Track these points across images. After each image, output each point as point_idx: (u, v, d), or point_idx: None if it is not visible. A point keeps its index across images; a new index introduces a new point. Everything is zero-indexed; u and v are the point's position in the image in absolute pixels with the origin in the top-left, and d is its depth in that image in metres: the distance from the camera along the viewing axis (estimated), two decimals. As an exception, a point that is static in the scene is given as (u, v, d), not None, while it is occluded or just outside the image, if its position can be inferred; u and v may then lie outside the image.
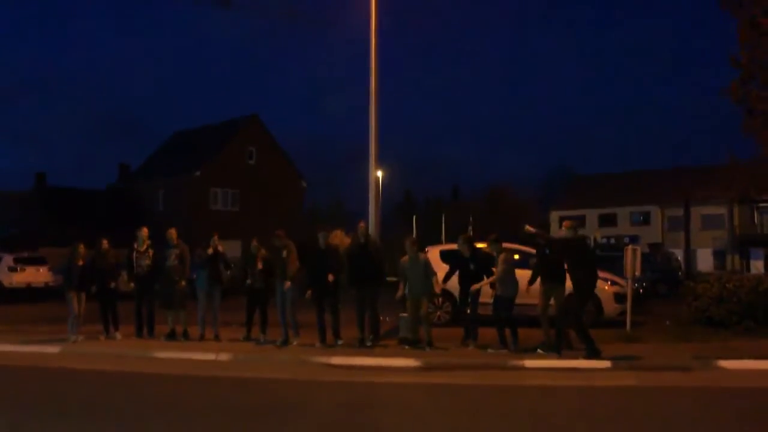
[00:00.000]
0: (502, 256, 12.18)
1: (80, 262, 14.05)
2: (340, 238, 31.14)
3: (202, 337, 13.67)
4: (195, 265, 13.93)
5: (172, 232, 14.13)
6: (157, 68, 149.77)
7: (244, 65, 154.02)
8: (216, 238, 14.07)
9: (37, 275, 28.78)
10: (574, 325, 11.30)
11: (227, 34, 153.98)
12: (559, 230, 11.80)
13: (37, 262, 29.47)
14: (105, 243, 14.47)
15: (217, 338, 13.62)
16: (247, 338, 13.57)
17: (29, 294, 27.75)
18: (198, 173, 48.22)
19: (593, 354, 10.85)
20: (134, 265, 14.08)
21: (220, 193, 49.32)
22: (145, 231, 14.32)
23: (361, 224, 13.54)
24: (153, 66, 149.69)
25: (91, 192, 52.96)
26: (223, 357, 11.89)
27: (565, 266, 11.46)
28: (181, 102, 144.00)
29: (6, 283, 27.96)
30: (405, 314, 12.81)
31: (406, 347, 12.33)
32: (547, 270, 11.92)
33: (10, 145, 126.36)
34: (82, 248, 14.20)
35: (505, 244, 13.36)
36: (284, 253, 13.08)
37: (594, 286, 11.60)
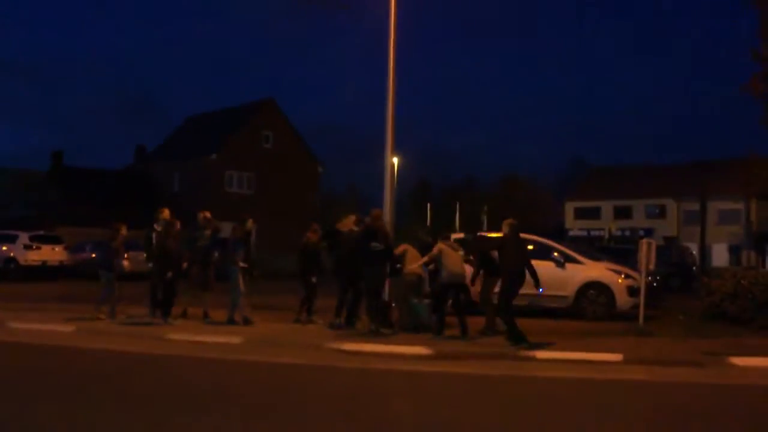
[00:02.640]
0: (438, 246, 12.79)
1: (115, 244, 14.11)
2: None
3: (247, 321, 13.52)
4: (235, 247, 13.74)
5: (206, 214, 14.31)
6: (175, 50, 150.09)
7: (262, 49, 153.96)
8: (251, 222, 14.11)
9: (53, 254, 29.03)
10: (503, 312, 12.05)
11: (245, 18, 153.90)
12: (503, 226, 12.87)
13: (52, 240, 29.71)
14: (178, 224, 14.07)
15: (248, 322, 13.61)
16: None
17: (45, 272, 28.01)
18: (214, 156, 48.32)
19: (518, 340, 11.50)
20: (153, 245, 14.08)
21: (235, 176, 49.41)
22: (166, 213, 14.30)
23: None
24: (171, 48, 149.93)
25: (108, 172, 53.20)
26: (235, 340, 11.94)
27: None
28: (198, 85, 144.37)
29: (21, 261, 28.23)
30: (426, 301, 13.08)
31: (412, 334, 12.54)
32: (488, 264, 12.98)
33: (27, 125, 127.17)
34: (124, 230, 14.23)
35: (522, 236, 13.62)
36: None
37: (523, 277, 12.13)
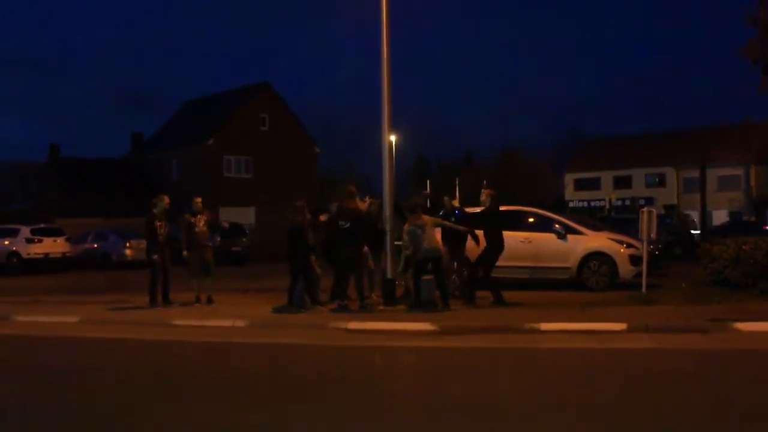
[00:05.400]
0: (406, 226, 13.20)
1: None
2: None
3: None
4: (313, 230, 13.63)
5: (198, 201, 14.44)
6: (168, 37, 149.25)
7: (256, 33, 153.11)
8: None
9: (55, 246, 29.01)
10: (487, 279, 13.24)
11: (239, 2, 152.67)
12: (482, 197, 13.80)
13: (53, 233, 29.68)
14: (302, 204, 13.72)
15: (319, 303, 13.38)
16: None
17: (47, 265, 27.97)
18: (211, 141, 48.22)
19: (500, 302, 12.85)
20: (158, 234, 14.00)
21: (233, 161, 49.33)
22: (166, 200, 14.30)
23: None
24: (164, 35, 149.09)
25: (106, 162, 53.14)
26: (240, 323, 11.97)
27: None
28: (193, 71, 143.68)
29: (24, 254, 28.18)
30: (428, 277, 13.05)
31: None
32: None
33: (24, 117, 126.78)
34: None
35: (524, 208, 13.90)
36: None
37: (502, 245, 13.27)
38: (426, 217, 13.14)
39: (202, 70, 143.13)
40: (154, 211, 14.10)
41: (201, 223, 14.16)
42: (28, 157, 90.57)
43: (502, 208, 14.34)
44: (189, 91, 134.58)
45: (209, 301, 14.17)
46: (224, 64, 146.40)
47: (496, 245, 13.23)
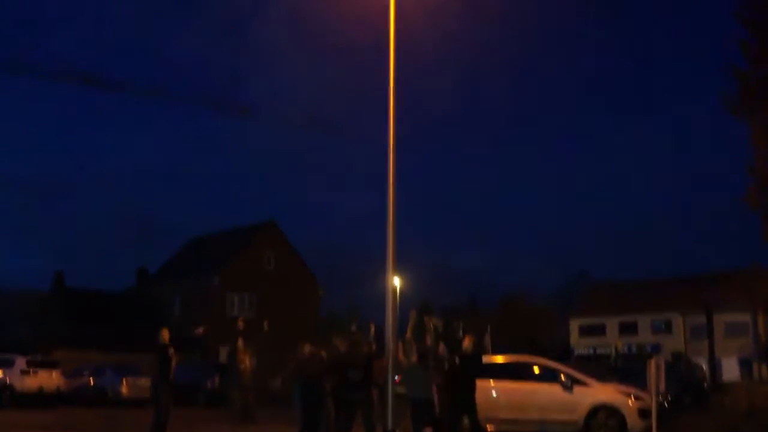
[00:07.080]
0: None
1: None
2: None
3: None
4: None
5: (240, 341, 14.16)
6: (176, 173, 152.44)
7: (262, 172, 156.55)
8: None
9: (50, 379, 28.38)
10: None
11: (244, 141, 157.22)
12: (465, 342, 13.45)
13: (49, 365, 29.12)
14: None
15: None
16: None
17: (41, 399, 27.18)
18: (216, 279, 48.30)
19: None
20: (169, 369, 13.32)
21: (237, 299, 49.18)
22: (165, 334, 13.59)
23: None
24: (171, 171, 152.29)
25: (110, 294, 53.10)
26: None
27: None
28: (200, 206, 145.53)
29: (18, 387, 27.46)
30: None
31: None
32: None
33: (27, 245, 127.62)
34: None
35: (528, 358, 13.62)
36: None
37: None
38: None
39: (210, 206, 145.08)
40: (162, 344, 13.41)
41: (246, 360, 13.56)
42: (31, 283, 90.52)
43: (508, 356, 14.16)
44: (197, 226, 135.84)
45: None
46: (231, 202, 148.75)
47: (473, 393, 12.83)
